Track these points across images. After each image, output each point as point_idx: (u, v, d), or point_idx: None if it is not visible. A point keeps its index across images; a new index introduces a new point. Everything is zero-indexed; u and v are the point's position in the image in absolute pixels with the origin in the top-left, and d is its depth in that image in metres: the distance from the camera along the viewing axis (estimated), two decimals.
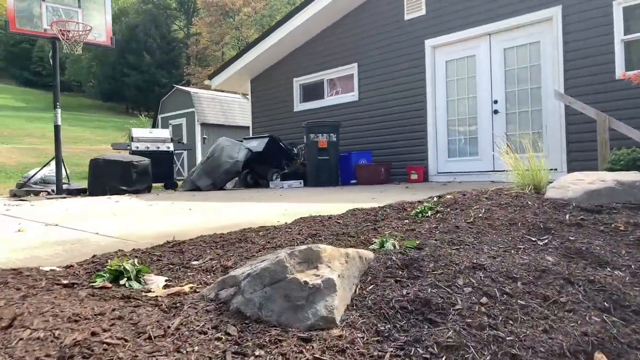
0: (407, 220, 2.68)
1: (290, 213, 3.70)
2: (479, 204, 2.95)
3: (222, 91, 16.36)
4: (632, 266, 1.96)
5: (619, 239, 2.25)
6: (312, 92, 10.65)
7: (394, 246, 1.98)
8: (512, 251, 2.03)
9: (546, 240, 2.21)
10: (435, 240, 2.16)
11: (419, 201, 3.32)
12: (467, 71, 8.26)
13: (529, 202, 2.92)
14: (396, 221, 2.68)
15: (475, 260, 1.83)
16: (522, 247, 2.10)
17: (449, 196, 3.55)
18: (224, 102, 18.16)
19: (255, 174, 9.44)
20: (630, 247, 2.17)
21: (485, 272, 1.73)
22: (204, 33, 44.78)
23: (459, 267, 1.75)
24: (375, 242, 2.08)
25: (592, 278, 1.76)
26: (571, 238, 2.22)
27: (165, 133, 10.20)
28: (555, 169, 7.15)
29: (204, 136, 16.55)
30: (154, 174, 8.97)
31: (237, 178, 9.50)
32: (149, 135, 9.88)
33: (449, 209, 2.91)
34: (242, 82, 11.85)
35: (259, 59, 10.95)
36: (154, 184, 10.93)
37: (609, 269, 1.92)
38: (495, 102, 7.87)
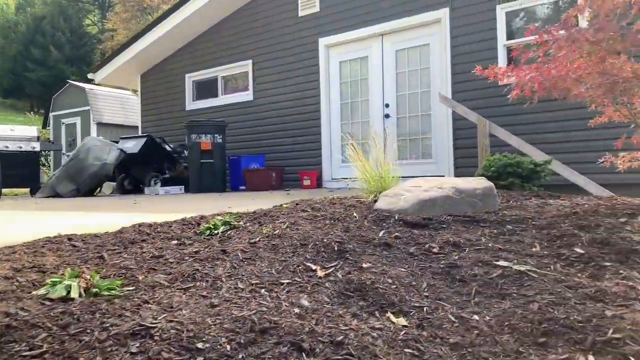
0: (175, 241, 2.04)
1: (79, 226, 2.93)
2: (292, 216, 2.38)
3: (124, 88, 15.04)
4: (426, 308, 1.44)
5: (427, 266, 1.76)
6: (206, 89, 9.84)
7: (69, 290, 1.31)
8: (263, 291, 1.44)
9: (331, 269, 1.66)
10: (165, 274, 1.52)
11: (227, 212, 2.70)
12: (360, 73, 7.90)
13: (354, 214, 2.40)
14: (162, 242, 2.02)
15: (153, 320, 1.20)
16: (286, 281, 1.53)
17: (285, 205, 2.98)
18: (124, 99, 16.73)
19: (133, 178, 8.45)
20: (436, 276, 1.68)
21: (146, 340, 1.10)
22: (119, 29, 42.07)
23: (116, 334, 1.11)
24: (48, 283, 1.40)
25: (343, 338, 1.20)
26: (364, 265, 1.69)
27: (32, 131, 8.89)
28: (443, 176, 6.93)
29: (69, 138, 15.11)
30: (15, 176, 7.72)
31: (114, 183, 8.46)
32: (10, 133, 8.54)
33: (252, 222, 2.32)
34: (130, 76, 10.75)
35: (149, 51, 9.96)
36: (16, 189, 9.53)
37: (390, 314, 1.39)
38: (387, 105, 7.57)
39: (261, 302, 1.32)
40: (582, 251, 1.81)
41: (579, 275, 1.68)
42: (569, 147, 5.90)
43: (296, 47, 8.42)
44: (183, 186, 7.84)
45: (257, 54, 8.93)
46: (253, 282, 1.48)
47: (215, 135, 7.58)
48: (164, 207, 4.88)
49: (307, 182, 7.82)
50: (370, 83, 7.77)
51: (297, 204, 2.88)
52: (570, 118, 5.88)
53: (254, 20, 9.00)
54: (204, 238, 2.08)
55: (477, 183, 2.54)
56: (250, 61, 9.02)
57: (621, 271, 1.69)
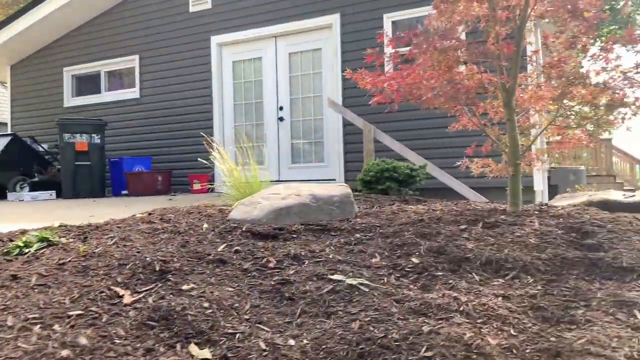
0: None
1: None
2: (130, 229, 2.13)
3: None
4: (239, 335, 1.30)
5: (258, 283, 1.63)
6: (88, 85, 9.02)
7: None
8: (36, 328, 1.21)
9: (143, 294, 1.46)
10: None
11: (60, 226, 2.38)
12: (254, 74, 7.72)
13: (205, 225, 2.22)
14: None
15: None
16: (77, 312, 1.31)
17: (140, 215, 2.70)
18: None
19: None
20: (264, 295, 1.55)
21: None
22: None
23: None
24: None
25: None
26: (185, 287, 1.52)
27: None
28: (334, 179, 6.99)
29: None
30: None
31: None
32: None
33: (77, 238, 2.03)
34: None
35: (20, 40, 8.89)
36: None
37: (193, 346, 1.23)
38: (281, 108, 7.47)
39: (21, 344, 1.09)
40: (417, 261, 1.80)
41: (411, 286, 1.66)
42: (446, 152, 6.22)
43: (187, 44, 8.02)
44: (55, 191, 7.06)
45: (145, 49, 8.36)
46: (30, 316, 1.24)
47: (93, 135, 6.94)
48: (9, 217, 4.29)
49: (197, 186, 7.45)
50: (264, 85, 7.62)
51: (150, 214, 2.62)
52: (446, 124, 6.21)
53: (143, 13, 8.41)
54: (4, 259, 1.76)
55: (336, 190, 2.49)
56: (137, 56, 8.43)
57: (450, 281, 1.70)
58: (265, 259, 1.77)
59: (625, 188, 14.14)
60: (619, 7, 22.67)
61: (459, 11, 2.47)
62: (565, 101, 2.49)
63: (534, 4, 2.57)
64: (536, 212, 2.53)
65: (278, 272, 1.69)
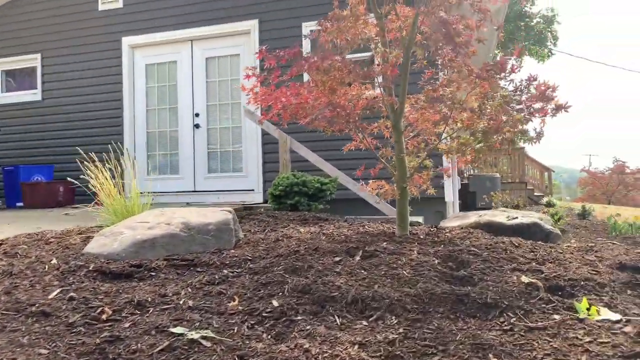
0: None
1: None
2: None
3: None
4: None
5: (81, 342, 1.39)
6: None
7: None
8: None
9: None
10: None
11: None
12: (169, 78, 7.33)
13: (54, 261, 1.93)
14: None
15: None
16: None
17: None
18: None
19: None
20: (83, 358, 1.32)
21: None
22: None
23: None
24: None
25: None
26: None
27: None
28: (253, 190, 6.78)
29: None
30: None
31: None
32: None
33: None
34: None
35: None
36: None
37: None
38: (197, 115, 7.14)
39: None
40: (278, 304, 1.65)
41: (263, 336, 1.50)
42: (361, 164, 6.20)
43: (96, 44, 7.47)
44: None
45: (49, 47, 7.70)
46: None
47: None
48: None
49: None
50: (179, 90, 7.26)
51: (0, 244, 2.29)
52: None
53: (47, 9, 7.74)
54: None
55: (214, 217, 2.30)
56: (38, 55, 7.74)
57: (309, 327, 1.56)
58: (100, 309, 1.54)
59: (535, 194, 15.08)
60: (533, 23, 24.27)
61: (346, 30, 2.37)
62: (449, 124, 2.47)
63: (421, 23, 2.53)
64: (421, 237, 2.48)
65: (110, 326, 1.47)
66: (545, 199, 13.39)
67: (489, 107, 2.21)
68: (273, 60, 2.36)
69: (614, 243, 3.04)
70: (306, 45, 6.56)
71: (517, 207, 12.74)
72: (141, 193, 7.37)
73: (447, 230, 2.62)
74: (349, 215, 4.40)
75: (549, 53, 24.48)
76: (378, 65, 2.37)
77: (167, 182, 7.23)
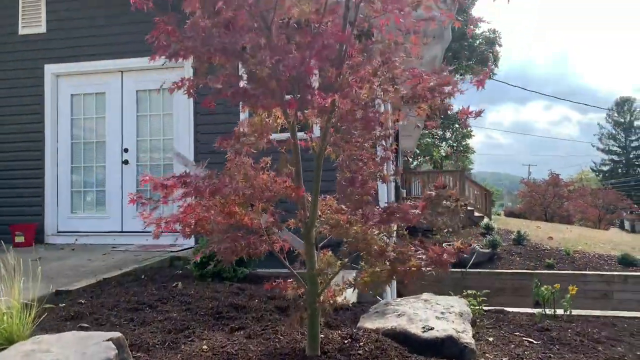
0: None
1: None
2: None
3: None
4: None
5: None
6: None
7: None
8: None
9: None
10: None
11: None
12: (96, 110, 6.90)
13: None
14: None
15: None
16: None
17: None
18: None
19: None
20: None
21: None
22: None
23: None
24: None
25: None
26: None
27: None
28: None
29: None
30: None
31: None
32: None
33: None
34: None
35: None
36: None
37: None
38: (126, 150, 6.76)
39: None
40: None
41: None
42: None
43: (15, 71, 6.92)
44: None
45: None
46: None
47: None
48: None
49: (19, 239, 6.40)
50: (108, 123, 6.84)
51: None
52: None
53: None
54: None
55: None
56: None
57: None
58: None
59: (476, 214, 15.55)
60: (476, 44, 25.16)
61: (250, 144, 2.24)
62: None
63: (333, 132, 2.43)
64: (335, 354, 2.37)
65: None
66: (484, 221, 13.84)
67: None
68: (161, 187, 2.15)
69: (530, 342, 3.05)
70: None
71: (455, 232, 13.09)
72: (64, 232, 6.92)
73: (362, 343, 2.52)
74: (272, 269, 4.19)
75: (491, 73, 25.52)
76: (282, 182, 2.24)
77: (93, 222, 6.81)
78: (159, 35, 2.17)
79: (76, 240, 6.68)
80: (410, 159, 26.83)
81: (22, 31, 6.90)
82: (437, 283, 10.91)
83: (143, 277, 4.38)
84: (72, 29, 6.78)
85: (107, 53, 6.71)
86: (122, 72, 6.78)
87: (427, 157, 27.47)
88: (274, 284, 2.45)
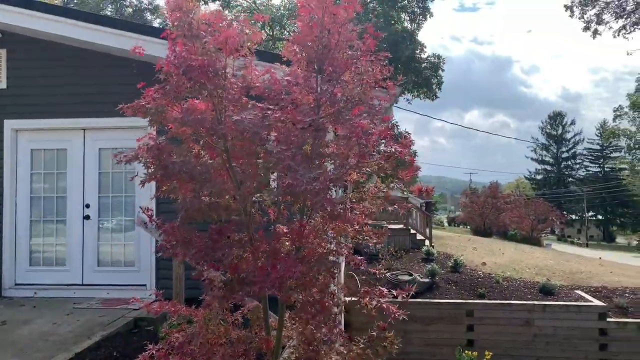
0: None
1: None
2: None
3: None
4: None
5: None
6: None
7: None
8: None
9: None
10: None
11: None
12: (57, 165, 7.09)
13: None
14: None
15: None
16: None
17: None
18: None
19: None
20: None
21: None
22: None
23: None
24: None
25: None
26: None
27: None
28: (145, 285, 6.83)
29: None
30: None
31: None
32: None
33: None
34: None
35: None
36: None
37: None
38: (88, 206, 7.00)
39: None
40: None
41: None
42: None
43: None
44: None
45: None
46: None
47: None
48: None
49: None
50: (69, 178, 7.06)
51: None
52: None
53: None
54: None
55: None
56: None
57: None
58: None
59: (418, 238, 16.60)
60: (422, 68, 26.39)
61: None
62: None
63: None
64: None
65: None
66: (424, 247, 14.84)
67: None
68: None
69: None
70: None
71: (399, 257, 14.03)
72: (22, 285, 7.09)
73: None
74: None
75: (434, 95, 26.99)
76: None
77: (52, 275, 7.00)
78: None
79: (35, 293, 6.86)
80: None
81: None
82: (381, 312, 11.73)
83: (115, 354, 4.74)
84: (34, 86, 6.94)
85: (69, 112, 6.92)
86: (84, 130, 7.02)
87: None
88: None
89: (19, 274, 7.00)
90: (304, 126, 2.48)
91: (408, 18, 28.46)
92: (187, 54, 2.43)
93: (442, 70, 26.27)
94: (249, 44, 2.55)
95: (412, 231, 16.43)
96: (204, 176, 2.47)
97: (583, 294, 11.43)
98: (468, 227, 40.55)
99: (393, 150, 2.66)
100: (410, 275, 11.72)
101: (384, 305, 2.71)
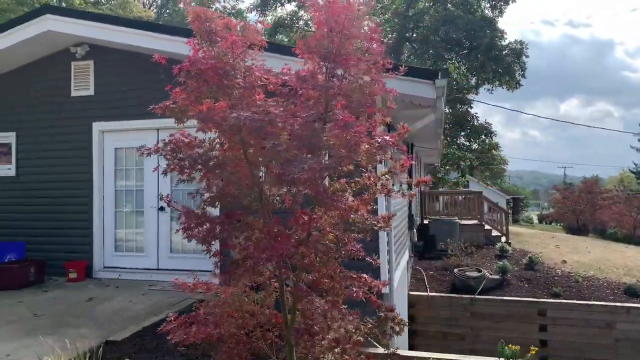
0: None
1: None
2: None
3: None
4: None
5: None
6: None
7: None
8: None
9: None
10: None
11: None
12: (135, 162, 7.93)
13: None
14: None
15: None
16: None
17: None
18: None
19: None
20: None
21: None
22: None
23: None
24: None
25: None
26: None
27: None
28: (212, 270, 7.41)
29: None
30: None
31: None
32: None
33: None
34: None
35: None
36: None
37: None
38: (161, 198, 7.75)
39: None
40: None
41: None
42: None
43: (68, 127, 8.02)
44: None
45: (24, 126, 8.23)
46: None
47: None
48: None
49: (73, 275, 7.52)
50: (145, 173, 7.86)
51: None
52: None
53: (21, 88, 8.27)
54: None
55: None
56: (14, 133, 8.27)
57: None
58: None
59: (493, 234, 15.95)
60: (502, 55, 25.02)
61: None
62: None
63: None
64: None
65: None
66: (499, 243, 14.25)
67: None
68: None
69: None
70: None
71: (470, 254, 13.63)
72: (109, 268, 8.03)
73: None
74: None
75: (517, 84, 25.53)
76: None
77: (133, 260, 7.85)
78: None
79: (119, 275, 7.75)
80: (439, 169, 27.07)
81: (74, 93, 8.01)
82: (449, 307, 11.55)
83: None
84: (115, 92, 7.82)
85: (144, 113, 7.66)
86: (158, 129, 7.77)
87: (455, 167, 27.63)
88: None
89: (107, 258, 7.96)
90: (307, 120, 2.68)
91: (488, 5, 27.18)
92: (201, 58, 2.75)
93: (526, 56, 24.76)
94: (257, 45, 2.81)
95: (487, 227, 15.83)
96: (217, 167, 2.78)
97: None
98: (561, 225, 37.82)
99: (381, 140, 2.75)
100: (479, 271, 11.37)
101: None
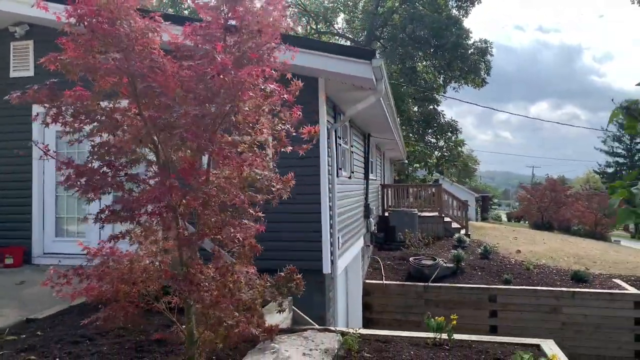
0: None
1: None
2: None
3: None
4: None
5: None
6: None
7: None
8: None
9: None
10: None
11: None
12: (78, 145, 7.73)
13: None
14: None
15: None
16: None
17: None
18: None
19: None
20: None
21: None
22: None
23: None
24: None
25: None
26: None
27: None
28: None
29: None
30: None
31: None
32: None
33: None
34: None
35: None
36: None
37: None
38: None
39: None
40: None
41: None
42: None
43: (8, 109, 7.77)
44: None
45: None
46: None
47: None
48: None
49: (9, 261, 7.29)
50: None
51: None
52: None
53: None
54: None
55: None
56: None
57: None
58: None
59: (453, 226, 16.20)
60: (468, 54, 25.53)
61: None
62: None
63: None
64: None
65: None
66: (457, 235, 14.48)
67: None
68: None
69: None
70: None
71: (428, 244, 13.79)
72: (49, 254, 7.80)
73: None
74: None
75: (483, 81, 26.03)
76: None
77: (73, 245, 7.65)
78: None
79: (59, 261, 7.53)
80: (406, 166, 27.38)
81: (12, 74, 7.80)
82: (403, 294, 11.65)
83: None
84: (56, 73, 7.61)
85: None
86: None
87: (422, 164, 27.99)
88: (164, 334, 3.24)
89: (47, 244, 7.73)
90: (197, 72, 2.66)
91: (455, 5, 27.67)
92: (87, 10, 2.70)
93: (491, 55, 25.30)
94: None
95: (447, 219, 16.07)
96: (104, 120, 2.74)
97: (620, 282, 10.71)
98: (527, 222, 38.66)
99: (270, 88, 2.76)
100: (434, 260, 11.53)
101: None
